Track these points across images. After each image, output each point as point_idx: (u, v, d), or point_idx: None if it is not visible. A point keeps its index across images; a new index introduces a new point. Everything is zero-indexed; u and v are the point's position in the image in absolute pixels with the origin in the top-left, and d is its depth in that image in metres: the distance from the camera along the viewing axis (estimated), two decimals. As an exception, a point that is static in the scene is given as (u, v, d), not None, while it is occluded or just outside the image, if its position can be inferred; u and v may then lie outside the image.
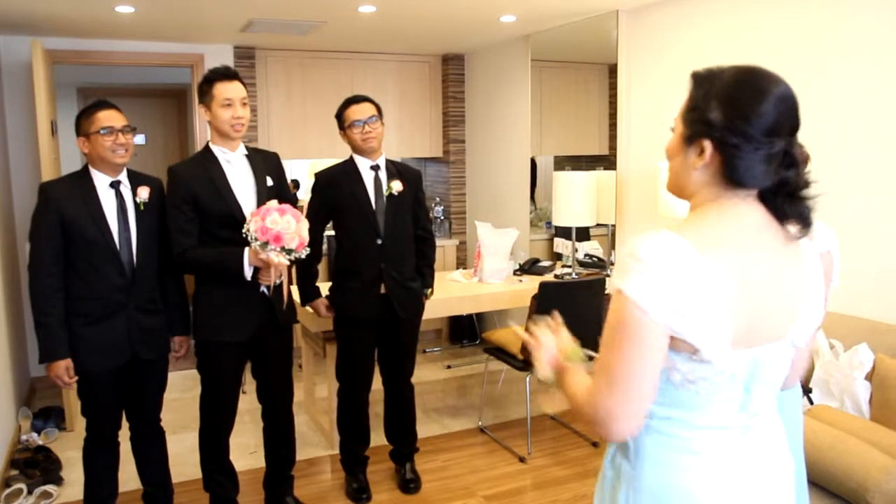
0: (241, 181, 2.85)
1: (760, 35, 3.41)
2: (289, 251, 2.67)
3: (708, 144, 1.23)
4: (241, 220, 2.76)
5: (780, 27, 3.32)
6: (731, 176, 1.22)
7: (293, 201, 2.97)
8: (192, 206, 2.77)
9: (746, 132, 1.19)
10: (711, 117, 1.21)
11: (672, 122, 1.33)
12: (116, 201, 2.74)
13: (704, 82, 1.26)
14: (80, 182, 2.73)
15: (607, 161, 4.63)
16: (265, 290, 2.84)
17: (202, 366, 2.93)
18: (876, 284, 2.94)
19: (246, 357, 2.98)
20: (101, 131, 2.67)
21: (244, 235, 2.67)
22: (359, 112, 3.18)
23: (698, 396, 1.24)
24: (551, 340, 1.46)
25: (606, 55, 4.49)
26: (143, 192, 2.79)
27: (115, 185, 2.75)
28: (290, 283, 2.97)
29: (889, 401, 2.66)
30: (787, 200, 1.24)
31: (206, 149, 2.87)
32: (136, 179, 2.83)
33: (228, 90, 2.76)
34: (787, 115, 1.21)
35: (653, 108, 4.14)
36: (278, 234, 2.62)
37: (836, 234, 2.05)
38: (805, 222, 1.25)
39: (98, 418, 2.84)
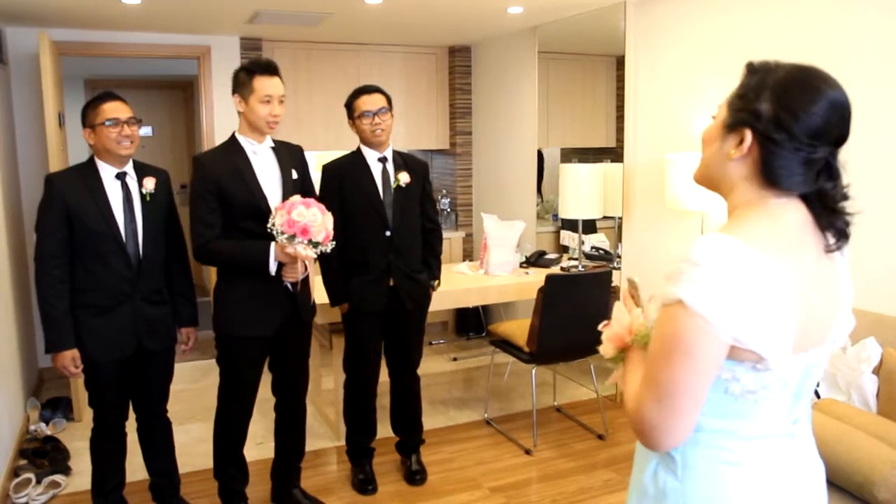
0: (268, 173, 2.84)
1: (769, 27, 3.39)
2: (315, 244, 2.67)
3: (749, 135, 1.18)
4: (267, 212, 2.75)
5: (790, 20, 3.29)
6: (766, 174, 1.18)
7: (314, 194, 2.98)
8: (216, 197, 2.75)
9: (791, 129, 1.15)
10: (759, 107, 1.17)
11: (715, 109, 1.29)
12: (122, 192, 2.75)
13: (759, 72, 1.22)
14: (86, 173, 2.74)
15: (614, 153, 4.62)
16: (289, 286, 2.85)
17: (224, 359, 2.93)
18: (884, 278, 2.93)
19: (267, 351, 2.97)
20: (107, 123, 2.67)
21: (269, 230, 2.67)
22: (369, 103, 3.16)
23: (756, 406, 1.20)
24: (623, 316, 1.37)
25: (614, 47, 4.47)
26: (150, 184, 2.80)
27: (120, 176, 2.76)
28: (312, 276, 2.97)
29: (896, 395, 2.66)
30: (824, 212, 1.21)
31: (233, 139, 2.85)
32: (142, 171, 2.83)
33: (269, 86, 2.74)
34: (837, 122, 1.17)
35: (660, 100, 4.13)
36: (305, 226, 2.61)
37: None
38: (842, 235, 1.22)
39: (104, 409, 2.85)
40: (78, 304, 2.71)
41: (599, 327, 1.41)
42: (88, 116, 2.72)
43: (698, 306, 1.10)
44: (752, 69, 1.24)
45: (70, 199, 2.66)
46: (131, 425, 2.99)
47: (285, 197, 2.81)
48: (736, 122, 1.21)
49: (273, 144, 2.89)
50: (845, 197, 1.21)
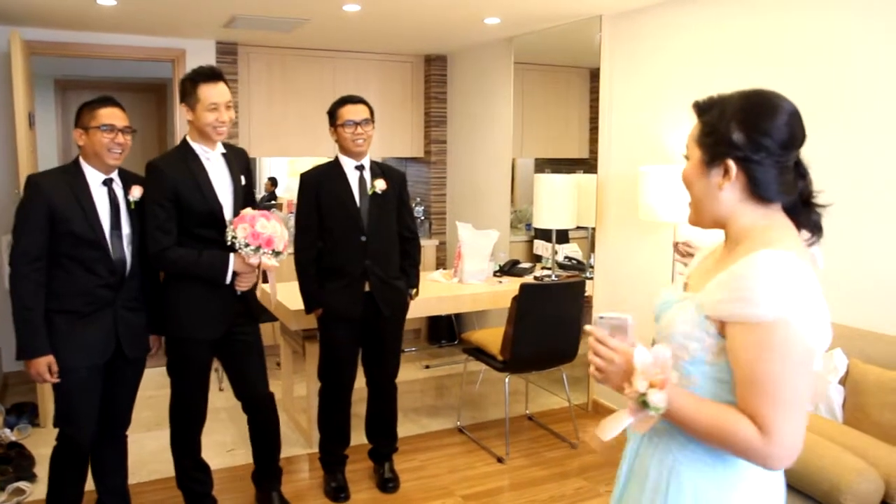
0: (220, 180, 2.86)
1: (743, 42, 3.46)
2: (277, 253, 2.78)
3: (732, 164, 1.29)
4: (221, 218, 2.79)
5: (763, 34, 3.36)
6: (758, 192, 1.29)
7: (255, 199, 3.04)
8: (173, 204, 2.75)
9: (768, 147, 1.26)
10: (734, 138, 1.28)
11: (685, 149, 1.38)
12: (109, 199, 2.70)
13: (713, 107, 1.32)
14: (72, 176, 2.67)
15: (587, 164, 4.67)
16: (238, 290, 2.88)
17: (175, 363, 2.91)
18: (849, 291, 3.00)
19: (213, 352, 2.97)
20: (102, 128, 2.62)
21: (230, 243, 2.71)
22: (354, 112, 3.18)
23: None
24: (645, 355, 1.26)
25: (588, 59, 4.53)
26: (136, 192, 2.75)
27: (107, 182, 2.71)
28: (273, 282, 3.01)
29: (862, 405, 2.72)
30: (802, 209, 1.32)
31: (185, 145, 2.84)
32: (127, 178, 2.78)
33: (214, 94, 2.74)
34: (799, 128, 1.29)
35: (635, 112, 4.19)
36: (270, 237, 2.72)
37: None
38: (818, 229, 1.33)
39: (77, 418, 2.73)
40: (55, 310, 2.63)
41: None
42: (83, 117, 2.66)
43: (794, 320, 1.18)
44: (702, 107, 1.34)
45: (55, 201, 2.58)
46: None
47: (236, 202, 2.85)
48: (715, 157, 1.30)
49: (224, 150, 2.90)
50: (812, 193, 1.33)
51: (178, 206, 2.76)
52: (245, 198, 2.94)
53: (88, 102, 2.70)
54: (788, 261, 1.20)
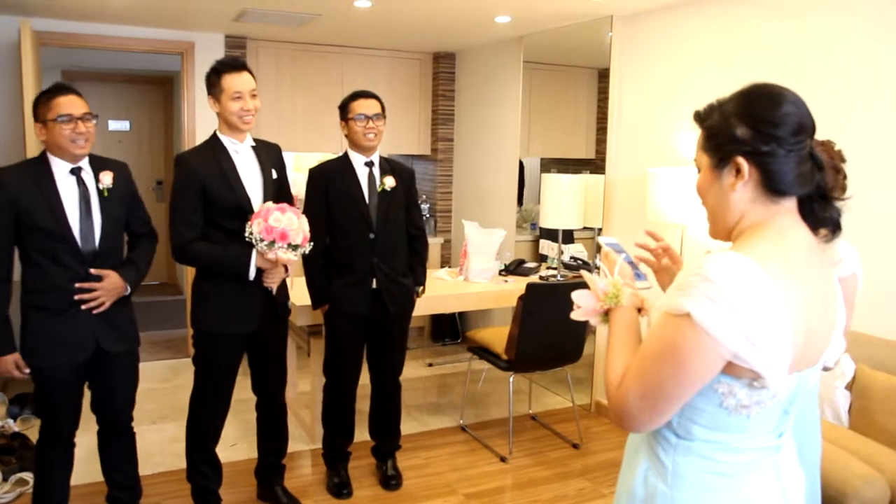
0: (250, 173, 2.85)
1: (756, 45, 3.45)
2: (295, 247, 2.72)
3: (742, 160, 1.22)
4: (250, 211, 2.77)
5: (776, 35, 3.36)
6: (771, 186, 1.22)
7: (290, 194, 3.00)
8: (200, 197, 2.75)
9: (777, 136, 1.20)
10: (738, 133, 1.22)
11: (693, 162, 1.34)
12: (78, 189, 2.57)
13: (712, 112, 1.28)
14: (37, 168, 2.55)
15: (593, 165, 4.67)
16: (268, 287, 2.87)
17: (202, 356, 2.91)
18: (858, 296, 2.99)
19: (244, 349, 2.97)
20: (59, 119, 2.47)
21: (248, 238, 2.70)
22: (366, 106, 3.18)
23: (748, 421, 1.23)
24: (596, 283, 1.43)
25: (597, 59, 4.52)
26: (106, 178, 2.62)
27: (75, 171, 2.57)
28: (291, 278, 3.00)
29: (868, 410, 2.71)
30: (819, 204, 1.25)
31: (215, 138, 2.85)
32: (97, 164, 2.65)
33: (238, 82, 2.75)
34: (806, 115, 1.23)
35: (644, 113, 4.18)
36: (284, 231, 2.67)
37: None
38: (835, 226, 1.26)
39: (55, 418, 2.68)
40: (30, 306, 2.56)
41: (573, 295, 1.48)
42: (40, 111, 2.51)
43: (705, 322, 1.12)
44: (702, 115, 1.30)
45: (17, 195, 2.48)
46: (89, 435, 2.87)
47: (266, 196, 2.84)
48: (723, 157, 1.25)
49: (253, 143, 2.90)
50: (832, 188, 1.28)
51: (206, 198, 2.76)
52: (278, 192, 2.90)
53: (43, 93, 2.55)
54: (736, 268, 1.13)
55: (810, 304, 1.21)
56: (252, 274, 2.76)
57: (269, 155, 2.94)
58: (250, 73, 2.82)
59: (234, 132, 2.82)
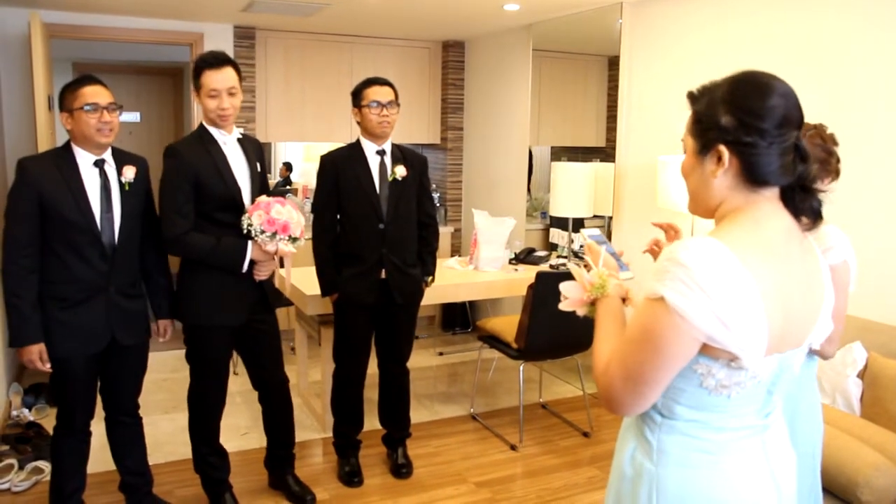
0: (238, 164, 2.85)
1: (766, 31, 3.42)
2: (294, 239, 2.76)
3: (724, 149, 1.23)
4: (240, 203, 2.78)
5: (785, 23, 3.32)
6: (751, 176, 1.23)
7: (269, 186, 3.04)
8: (191, 188, 2.73)
9: (760, 128, 1.20)
10: (722, 122, 1.23)
11: (681, 143, 1.35)
12: (100, 181, 2.62)
13: (703, 96, 1.29)
14: (62, 159, 2.59)
15: (603, 153, 4.64)
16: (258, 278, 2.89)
17: (194, 350, 2.91)
18: (870, 284, 2.97)
19: (234, 340, 2.97)
20: (86, 108, 2.53)
21: (246, 230, 2.70)
22: (380, 93, 3.16)
23: (728, 401, 1.25)
24: (582, 275, 1.47)
25: (607, 47, 4.49)
26: (129, 172, 2.67)
27: (99, 163, 2.62)
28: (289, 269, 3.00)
29: (880, 399, 2.70)
30: (800, 195, 1.26)
31: (203, 129, 2.82)
32: (121, 158, 2.70)
33: (214, 80, 2.70)
34: (794, 106, 1.23)
35: (654, 101, 4.15)
36: (286, 223, 2.71)
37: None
38: (816, 215, 1.27)
39: (72, 407, 2.72)
40: (49, 296, 2.58)
41: (560, 286, 1.51)
42: (66, 100, 2.57)
43: (678, 305, 1.15)
44: (694, 97, 1.31)
45: (44, 185, 2.52)
46: (103, 424, 2.90)
47: (253, 187, 2.85)
48: (706, 144, 1.26)
49: (240, 136, 2.89)
50: (814, 179, 1.27)
51: (197, 189, 2.74)
52: (262, 185, 2.94)
53: (69, 84, 2.60)
54: (708, 252, 1.15)
55: (788, 288, 1.23)
56: (246, 266, 2.77)
57: (252, 148, 2.94)
58: (235, 67, 2.76)
59: (218, 126, 2.80)
